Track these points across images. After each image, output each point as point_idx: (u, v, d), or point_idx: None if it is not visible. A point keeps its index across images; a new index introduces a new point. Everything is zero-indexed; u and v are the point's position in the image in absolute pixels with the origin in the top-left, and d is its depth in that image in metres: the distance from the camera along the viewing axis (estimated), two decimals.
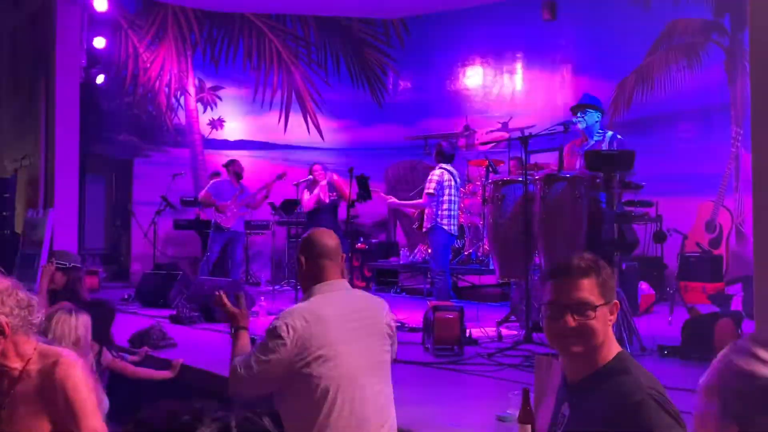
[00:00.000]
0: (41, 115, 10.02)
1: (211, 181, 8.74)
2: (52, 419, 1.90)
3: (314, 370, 2.17)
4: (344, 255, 2.47)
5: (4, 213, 9.93)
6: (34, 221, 9.74)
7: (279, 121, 11.95)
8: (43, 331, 2.98)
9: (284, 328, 2.20)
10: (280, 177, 8.29)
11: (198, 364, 4.29)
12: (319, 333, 2.19)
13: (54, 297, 4.17)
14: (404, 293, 8.77)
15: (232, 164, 8.47)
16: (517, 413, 2.42)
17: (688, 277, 7.24)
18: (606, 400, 1.42)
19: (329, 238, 2.39)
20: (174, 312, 6.22)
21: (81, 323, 2.98)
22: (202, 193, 8.55)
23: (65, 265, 4.27)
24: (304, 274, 2.42)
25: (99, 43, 10.17)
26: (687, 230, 7.69)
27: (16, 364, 1.90)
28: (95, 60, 10.30)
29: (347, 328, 2.25)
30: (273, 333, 2.21)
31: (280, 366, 2.19)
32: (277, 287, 8.94)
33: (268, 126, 11.87)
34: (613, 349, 1.55)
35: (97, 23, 10.14)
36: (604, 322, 1.56)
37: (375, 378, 2.27)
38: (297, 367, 2.18)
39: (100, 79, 10.42)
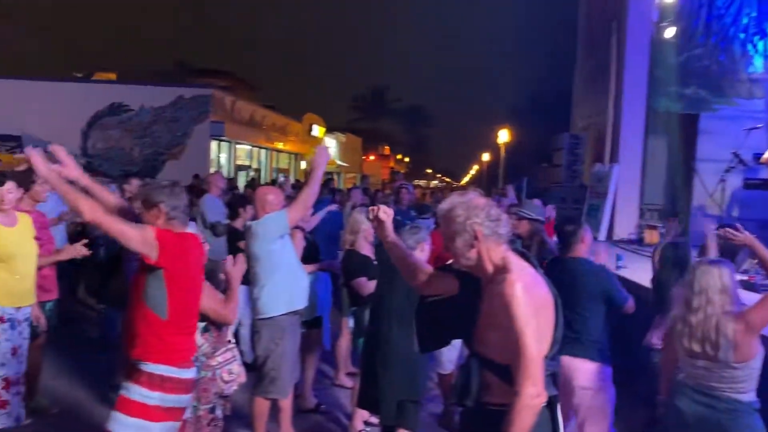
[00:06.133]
0: (611, 73, 10.51)
1: None
2: (499, 325, 2.15)
3: None
4: None
5: (575, 167, 10.93)
6: (600, 174, 10.39)
7: None
8: (689, 282, 3.09)
9: None
10: None
11: None
12: None
13: None
14: None
15: None
16: None
17: None
18: None
19: None
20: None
21: (725, 273, 3.04)
22: None
23: None
24: None
25: None
26: None
27: (489, 267, 2.25)
28: (666, 13, 10.16)
29: None
30: None
31: None
32: None
33: None
34: None
35: None
36: None
37: None
38: None
39: (669, 32, 10.24)
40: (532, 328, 2.09)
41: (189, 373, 3.04)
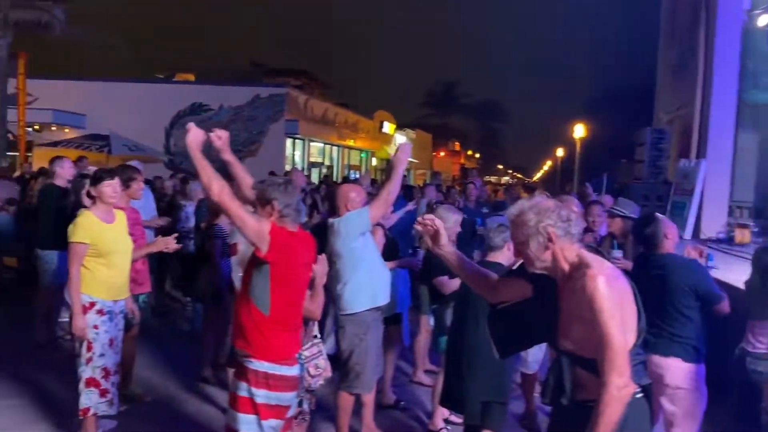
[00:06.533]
0: (698, 64, 10.03)
1: None
2: (582, 320, 2.18)
3: None
4: None
5: (658, 163, 10.49)
6: (686, 170, 9.95)
7: None
8: None
9: None
10: None
11: None
12: None
13: None
14: None
15: None
16: None
17: None
18: None
19: None
20: None
21: None
22: None
23: None
24: None
25: None
26: None
27: (565, 266, 2.29)
28: (759, 0, 9.62)
29: None
30: None
31: None
32: None
33: None
34: None
35: None
36: None
37: None
38: None
39: (763, 20, 9.68)
40: (616, 320, 2.12)
41: (292, 371, 3.09)
